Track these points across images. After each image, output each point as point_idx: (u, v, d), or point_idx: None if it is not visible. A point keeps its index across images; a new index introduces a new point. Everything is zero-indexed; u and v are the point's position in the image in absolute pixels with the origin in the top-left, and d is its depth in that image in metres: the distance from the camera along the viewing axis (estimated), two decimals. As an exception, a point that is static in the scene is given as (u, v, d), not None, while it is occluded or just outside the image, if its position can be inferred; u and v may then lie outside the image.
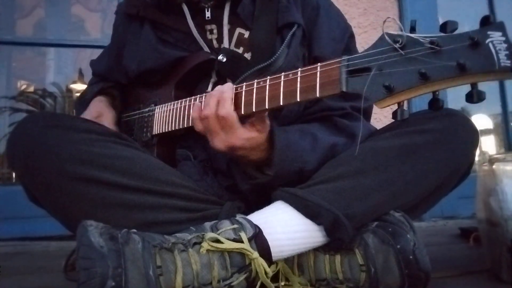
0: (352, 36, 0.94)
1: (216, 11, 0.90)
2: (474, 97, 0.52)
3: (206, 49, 0.89)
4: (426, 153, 0.75)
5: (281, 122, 0.84)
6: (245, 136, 0.73)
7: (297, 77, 0.65)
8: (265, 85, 0.69)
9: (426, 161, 0.75)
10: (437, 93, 0.55)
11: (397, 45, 0.55)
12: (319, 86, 0.62)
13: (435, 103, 0.56)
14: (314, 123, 0.85)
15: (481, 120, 2.76)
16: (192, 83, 0.90)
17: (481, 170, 0.85)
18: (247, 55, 0.88)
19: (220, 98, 0.72)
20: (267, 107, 0.68)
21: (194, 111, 0.76)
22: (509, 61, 0.49)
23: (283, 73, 0.68)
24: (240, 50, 0.89)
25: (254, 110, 0.70)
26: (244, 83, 0.73)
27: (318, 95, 0.62)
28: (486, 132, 2.77)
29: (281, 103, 0.67)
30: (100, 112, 0.97)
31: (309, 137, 0.80)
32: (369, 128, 0.86)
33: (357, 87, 0.58)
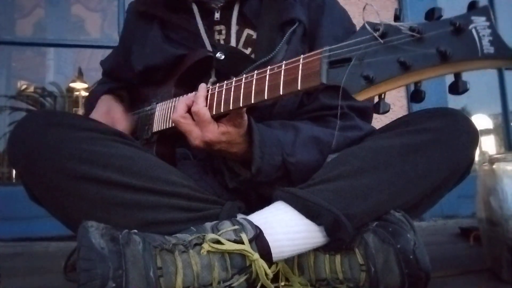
0: None
1: (225, 12, 0.91)
2: (459, 87, 0.49)
3: (210, 48, 0.89)
4: (427, 152, 0.75)
5: (273, 120, 0.84)
6: (221, 131, 0.74)
7: (281, 70, 0.63)
8: (252, 80, 0.68)
9: (426, 160, 0.75)
10: (419, 84, 0.52)
11: (377, 34, 0.52)
12: (300, 79, 0.60)
13: (417, 95, 0.53)
14: (305, 121, 0.85)
15: (481, 120, 2.76)
16: (192, 81, 0.90)
17: (481, 169, 0.85)
18: (254, 55, 0.88)
19: (194, 97, 0.75)
20: (252, 101, 0.67)
21: (172, 115, 0.78)
22: (492, 48, 0.46)
23: (269, 67, 0.66)
24: (248, 51, 0.90)
25: (241, 105, 0.69)
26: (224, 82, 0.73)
27: (299, 87, 0.60)
28: (486, 132, 2.76)
29: (266, 97, 0.65)
30: (109, 107, 0.98)
31: (291, 130, 0.80)
32: (361, 128, 0.85)
33: (337, 79, 0.55)
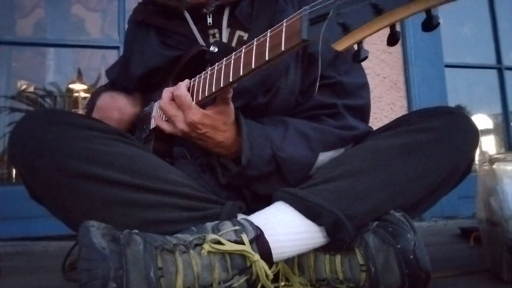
0: None
1: (217, 16, 0.92)
2: (433, 21, 0.48)
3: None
4: (427, 151, 0.75)
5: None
6: (204, 113, 0.74)
7: (266, 38, 0.64)
8: (240, 54, 0.68)
9: (426, 160, 0.75)
10: (394, 28, 0.51)
11: None
12: (284, 40, 0.60)
13: (392, 38, 0.52)
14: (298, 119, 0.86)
15: (481, 120, 2.76)
16: (189, 78, 0.91)
17: (482, 170, 0.85)
18: None
19: (176, 85, 0.77)
20: (241, 73, 0.67)
21: (159, 103, 0.80)
22: None
23: (255, 39, 0.66)
24: None
25: (231, 80, 0.69)
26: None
27: (283, 48, 0.60)
28: (486, 132, 2.76)
29: (253, 67, 0.65)
30: (113, 96, 0.98)
31: (280, 125, 0.81)
32: (355, 127, 0.85)
33: (316, 33, 0.56)
